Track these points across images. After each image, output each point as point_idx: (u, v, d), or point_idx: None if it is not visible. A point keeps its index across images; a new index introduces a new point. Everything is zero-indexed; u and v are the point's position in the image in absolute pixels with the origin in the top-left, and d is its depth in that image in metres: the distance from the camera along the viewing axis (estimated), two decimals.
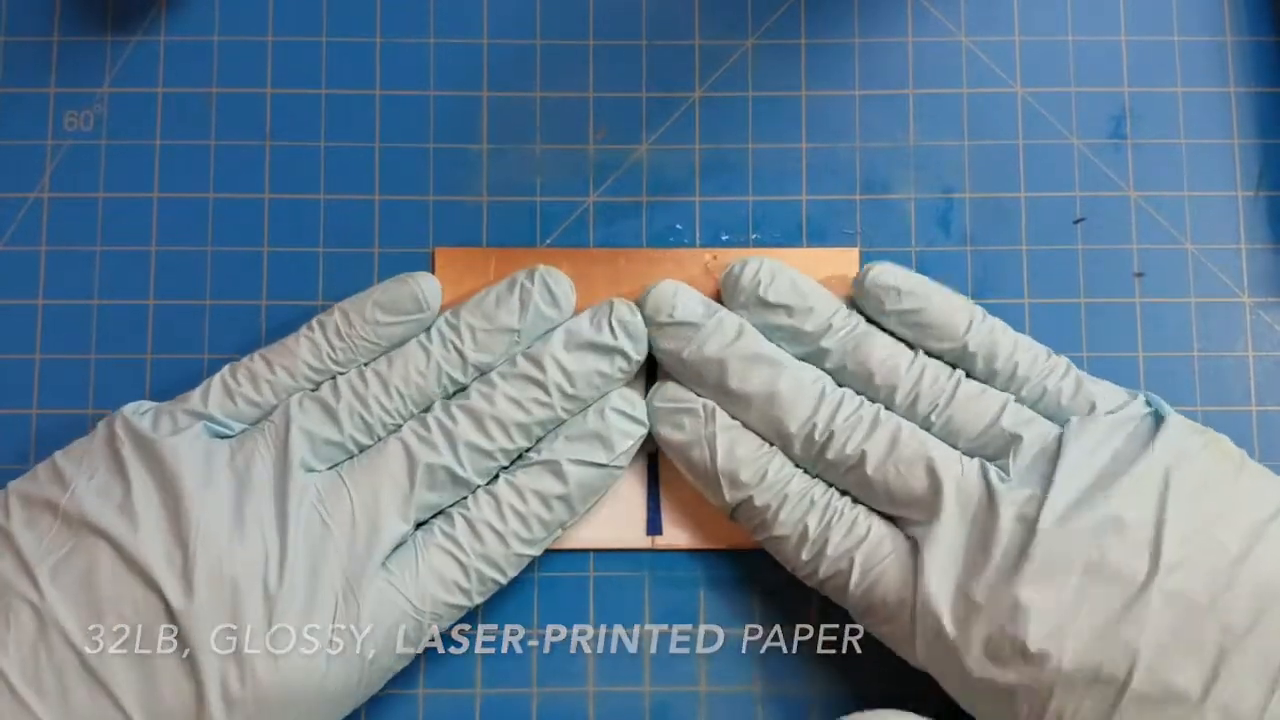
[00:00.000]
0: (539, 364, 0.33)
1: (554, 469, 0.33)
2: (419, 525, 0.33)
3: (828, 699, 0.35)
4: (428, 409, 0.34)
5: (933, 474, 0.32)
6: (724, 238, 0.37)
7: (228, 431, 0.33)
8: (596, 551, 0.36)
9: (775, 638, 0.35)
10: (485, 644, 0.35)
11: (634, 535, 0.36)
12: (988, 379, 0.34)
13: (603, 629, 0.35)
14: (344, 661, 0.31)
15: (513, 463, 0.34)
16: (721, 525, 0.35)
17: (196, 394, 0.33)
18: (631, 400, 0.34)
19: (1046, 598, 0.30)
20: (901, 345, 0.34)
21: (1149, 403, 0.33)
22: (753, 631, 0.35)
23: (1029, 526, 0.30)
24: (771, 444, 0.34)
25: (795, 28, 0.38)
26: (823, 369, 0.34)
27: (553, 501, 0.33)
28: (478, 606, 0.33)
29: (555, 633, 0.35)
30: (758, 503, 0.33)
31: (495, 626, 0.35)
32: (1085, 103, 0.38)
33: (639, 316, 0.34)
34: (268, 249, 0.37)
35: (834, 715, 0.35)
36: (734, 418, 0.34)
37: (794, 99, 0.38)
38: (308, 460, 0.32)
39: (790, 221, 0.37)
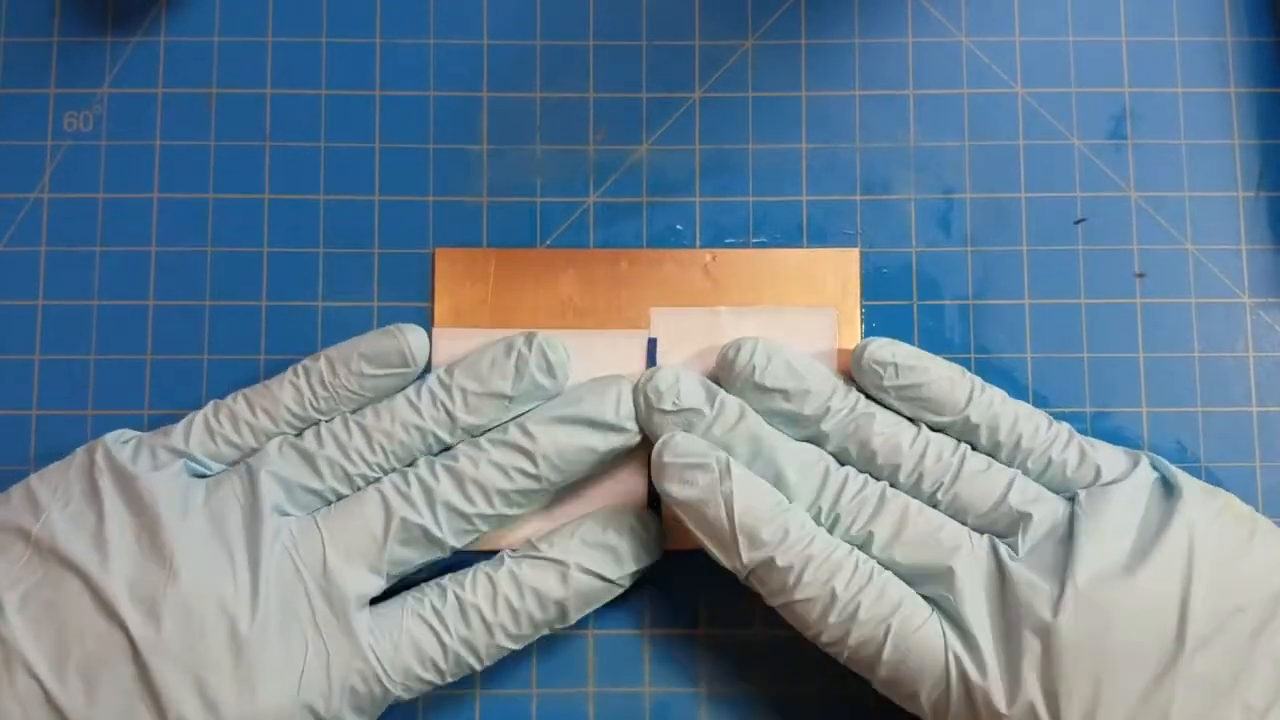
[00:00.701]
0: (530, 435, 0.33)
1: (561, 570, 0.33)
2: (407, 586, 0.33)
3: (827, 699, 0.35)
4: (411, 464, 0.33)
5: (941, 552, 0.31)
6: (726, 240, 0.37)
7: (206, 471, 0.33)
8: None
9: (774, 638, 0.35)
10: None
11: None
12: (991, 451, 0.33)
13: (603, 630, 0.35)
14: (307, 712, 0.31)
15: (519, 549, 0.34)
16: None
17: (179, 430, 0.33)
18: (649, 524, 0.34)
19: (1076, 682, 0.29)
20: (904, 422, 0.34)
21: (1154, 465, 0.33)
22: (752, 632, 0.35)
23: (1052, 605, 0.30)
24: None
25: (795, 28, 0.38)
26: (824, 451, 0.34)
27: (549, 603, 0.33)
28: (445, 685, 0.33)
29: (554, 634, 0.35)
30: (780, 563, 0.31)
31: None
32: (1085, 103, 0.38)
33: (642, 396, 0.34)
34: (267, 249, 0.37)
35: (834, 716, 0.35)
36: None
37: (794, 99, 0.38)
38: (282, 505, 0.32)
39: (790, 221, 0.37)
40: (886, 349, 0.34)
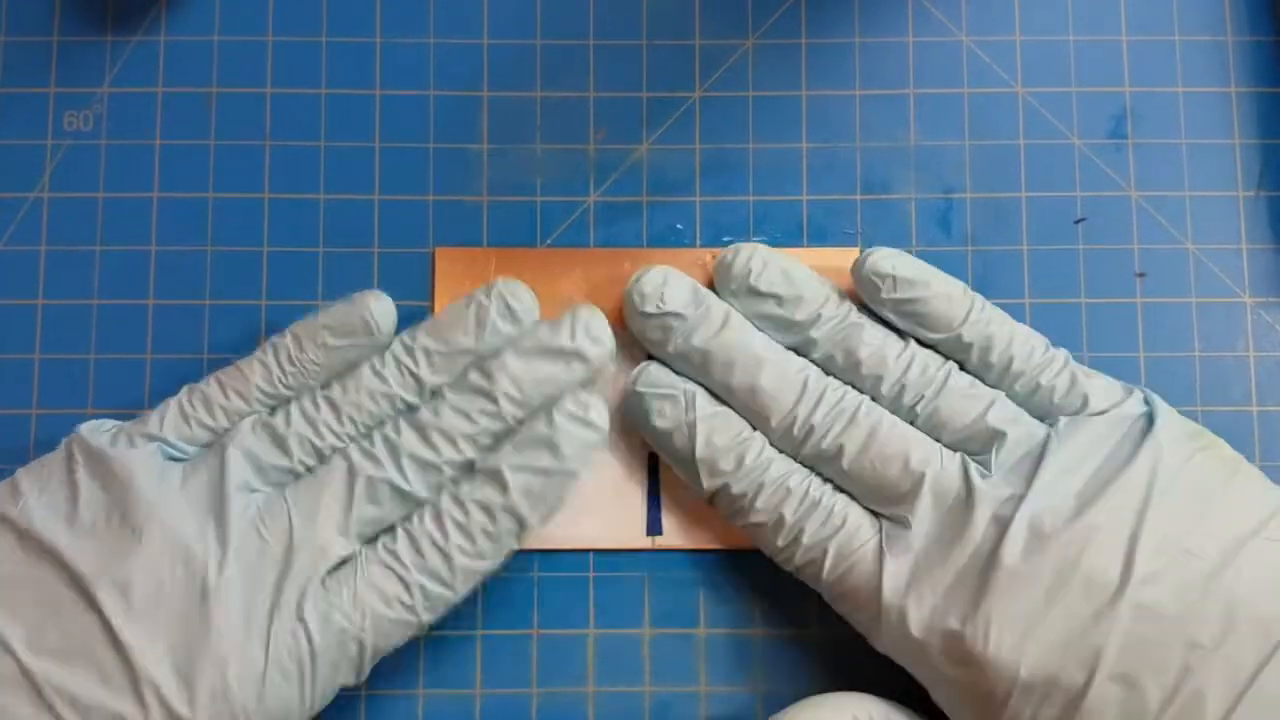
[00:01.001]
0: (487, 374, 0.33)
1: (495, 477, 0.32)
2: (369, 542, 0.33)
3: None
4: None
5: (909, 470, 0.32)
6: (725, 239, 0.37)
7: (181, 455, 0.33)
8: (596, 552, 0.36)
9: (775, 638, 0.35)
10: (485, 644, 0.35)
11: (634, 535, 0.36)
12: (981, 372, 0.34)
13: (603, 629, 0.35)
14: (285, 681, 0.30)
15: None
16: (722, 526, 0.35)
17: (154, 416, 0.33)
18: (584, 402, 0.32)
19: (1011, 603, 0.30)
20: (893, 335, 0.34)
21: (1146, 401, 0.33)
22: (753, 632, 0.35)
23: (1002, 528, 0.30)
24: (755, 428, 0.34)
25: (795, 27, 0.38)
26: (811, 359, 0.34)
27: (496, 512, 0.32)
28: (430, 625, 0.32)
29: (555, 633, 0.35)
30: (734, 490, 0.33)
31: (495, 627, 0.35)
32: (1086, 103, 0.38)
33: (603, 319, 0.34)
34: (267, 249, 0.37)
35: None
36: (716, 402, 0.34)
37: (794, 99, 0.38)
38: (250, 482, 0.32)
39: (791, 221, 0.37)
40: (887, 260, 0.34)
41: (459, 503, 0.32)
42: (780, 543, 0.33)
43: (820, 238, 0.37)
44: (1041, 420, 0.33)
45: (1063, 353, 0.34)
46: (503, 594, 0.35)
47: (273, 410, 0.33)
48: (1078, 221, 0.37)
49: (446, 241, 0.37)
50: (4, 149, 0.37)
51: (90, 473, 0.32)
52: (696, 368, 0.34)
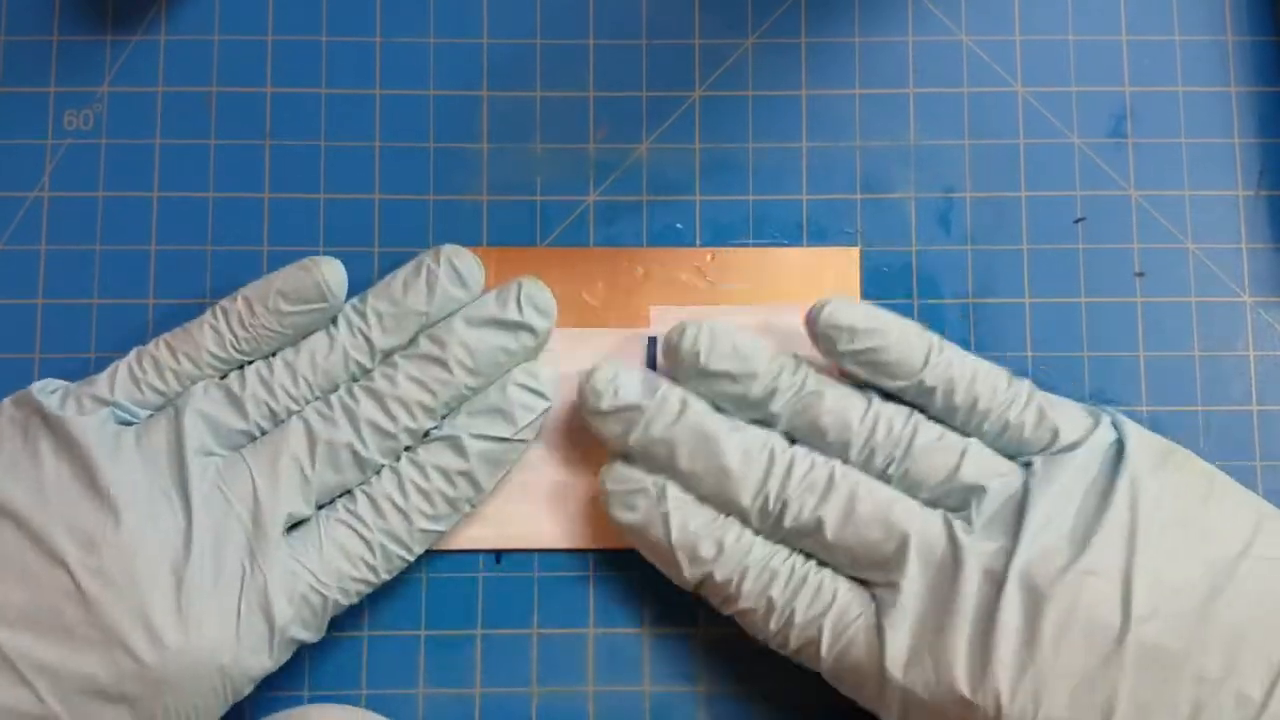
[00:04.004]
0: (441, 343, 0.33)
1: (455, 444, 0.33)
2: (322, 507, 0.33)
3: (827, 699, 0.35)
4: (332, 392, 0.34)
5: (893, 533, 0.31)
6: (726, 239, 0.37)
7: (133, 419, 0.33)
8: (596, 552, 0.36)
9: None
10: (485, 644, 0.35)
11: None
12: (947, 415, 0.33)
13: (602, 629, 0.35)
14: (256, 640, 0.31)
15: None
16: None
17: (103, 379, 0.33)
18: (533, 373, 0.34)
19: (1017, 663, 0.29)
20: (853, 395, 0.33)
21: (1115, 424, 0.32)
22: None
23: (996, 582, 0.30)
24: (728, 515, 0.33)
25: (795, 27, 0.38)
26: (774, 432, 0.33)
27: (455, 477, 0.33)
28: (384, 583, 0.33)
29: (555, 632, 0.35)
30: (719, 578, 0.32)
31: (494, 626, 0.35)
32: (1086, 102, 0.38)
33: (547, 292, 0.35)
34: (267, 248, 0.37)
35: (833, 715, 0.35)
36: (688, 491, 0.33)
37: (794, 98, 0.38)
38: (209, 445, 0.32)
39: (790, 221, 0.37)
40: (842, 312, 0.33)
41: (419, 467, 0.33)
42: (773, 627, 0.32)
43: (820, 237, 0.37)
44: (1014, 458, 0.32)
45: (1026, 384, 0.33)
46: (503, 594, 0.35)
47: (223, 375, 0.34)
48: (1077, 221, 0.37)
49: (446, 241, 0.37)
50: (4, 148, 0.37)
51: (49, 438, 0.32)
52: (661, 459, 0.33)
